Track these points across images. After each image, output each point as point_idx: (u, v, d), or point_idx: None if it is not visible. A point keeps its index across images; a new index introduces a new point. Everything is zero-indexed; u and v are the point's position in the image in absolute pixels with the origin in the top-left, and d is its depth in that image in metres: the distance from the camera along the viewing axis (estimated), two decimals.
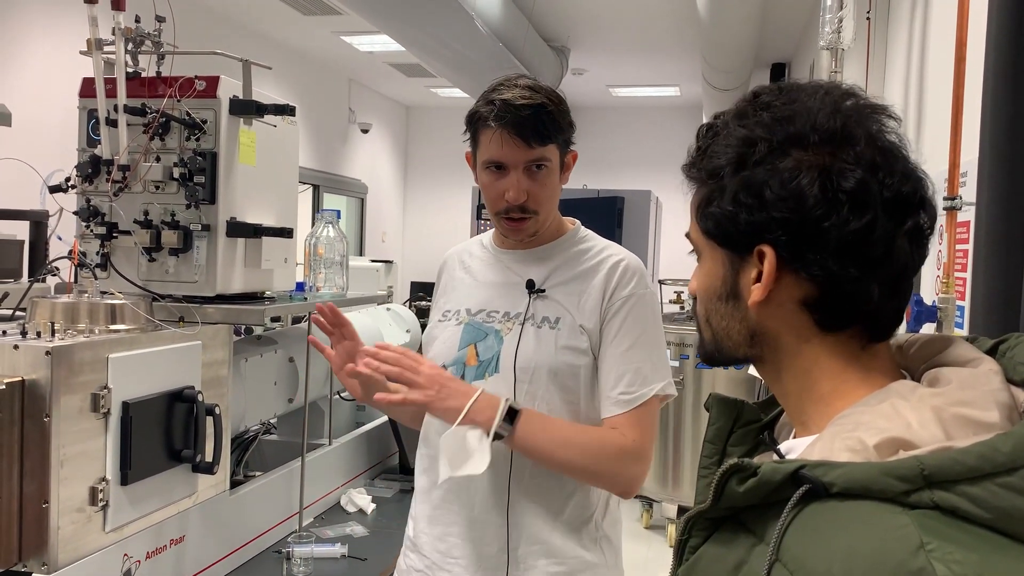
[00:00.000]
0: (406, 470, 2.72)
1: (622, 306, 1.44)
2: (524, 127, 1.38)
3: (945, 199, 1.66)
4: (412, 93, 9.65)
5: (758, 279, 0.74)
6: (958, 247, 1.65)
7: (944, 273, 1.63)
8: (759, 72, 7.06)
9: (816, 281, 0.72)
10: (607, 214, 5.86)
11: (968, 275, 1.48)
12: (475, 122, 1.44)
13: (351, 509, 2.42)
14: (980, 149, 1.12)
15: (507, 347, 1.45)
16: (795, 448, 0.77)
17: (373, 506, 2.44)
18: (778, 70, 6.99)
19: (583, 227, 1.57)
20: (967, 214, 1.62)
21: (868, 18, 2.69)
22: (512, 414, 1.34)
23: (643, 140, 9.50)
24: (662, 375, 1.44)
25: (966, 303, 1.52)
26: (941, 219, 1.72)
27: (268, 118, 1.93)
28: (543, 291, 1.47)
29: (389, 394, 1.36)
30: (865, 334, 0.74)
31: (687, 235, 0.83)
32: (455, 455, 1.33)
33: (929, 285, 1.93)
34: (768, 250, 0.72)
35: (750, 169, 0.73)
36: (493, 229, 1.58)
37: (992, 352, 0.73)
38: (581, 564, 1.45)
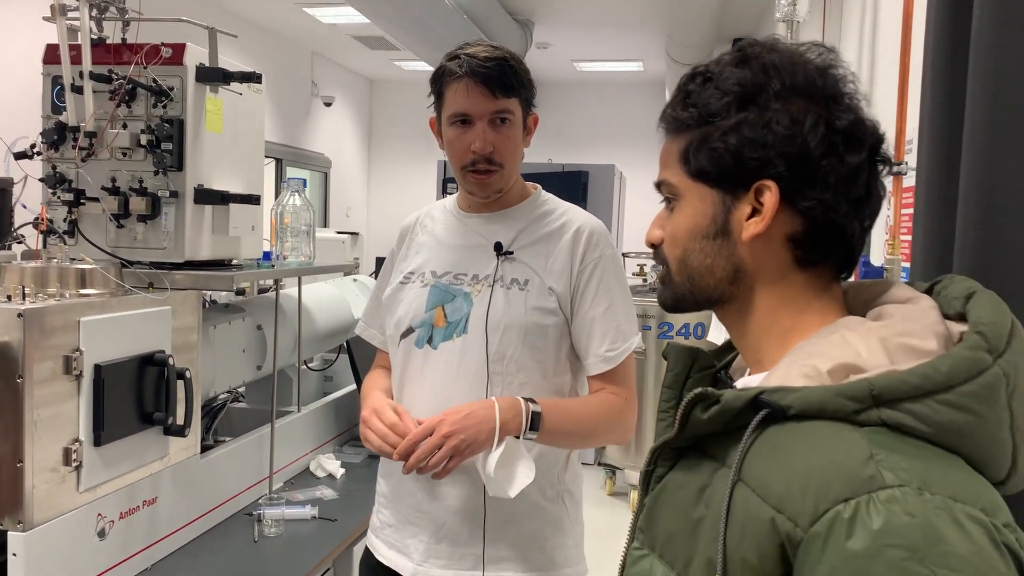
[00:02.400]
0: None
1: (595, 268, 1.50)
2: (489, 78, 1.43)
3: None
4: (376, 66, 9.57)
5: (751, 215, 0.79)
6: (903, 211, 1.73)
7: (891, 235, 1.71)
8: (721, 47, 7.11)
9: (809, 215, 0.77)
10: (572, 188, 5.90)
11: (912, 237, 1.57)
12: (440, 78, 1.48)
13: (321, 474, 2.46)
14: (920, 118, 1.19)
15: (477, 308, 1.49)
16: (751, 384, 0.82)
17: (342, 471, 2.48)
18: None
19: (543, 191, 1.61)
20: (912, 179, 1.70)
21: None
22: (534, 417, 1.40)
23: (607, 115, 9.54)
24: (633, 329, 1.54)
25: (910, 264, 1.60)
26: (887, 184, 1.80)
27: (234, 86, 1.94)
28: (511, 253, 1.51)
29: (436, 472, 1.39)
30: (835, 269, 0.81)
31: (658, 184, 0.86)
32: (503, 478, 1.38)
33: (878, 247, 2.01)
34: (772, 184, 0.77)
35: (757, 109, 0.78)
36: (456, 194, 1.61)
37: (929, 292, 0.80)
38: (545, 519, 1.51)
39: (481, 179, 1.49)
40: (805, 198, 0.77)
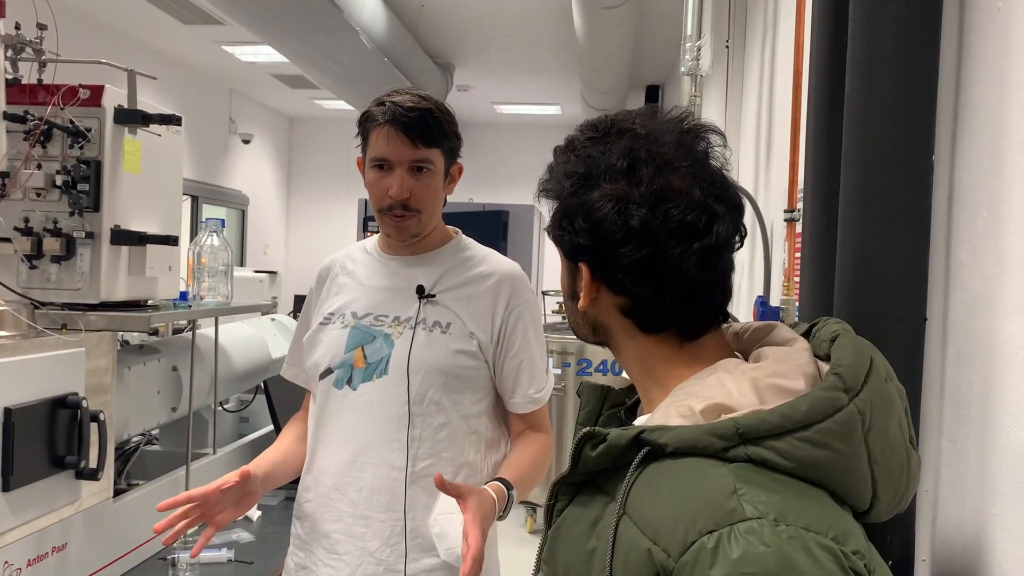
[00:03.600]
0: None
1: (520, 315, 1.56)
2: (411, 127, 1.47)
3: (785, 211, 1.87)
4: (296, 104, 9.55)
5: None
6: (797, 254, 1.86)
7: (785, 277, 1.83)
8: (635, 93, 7.39)
9: (622, 295, 0.84)
10: (492, 227, 6.00)
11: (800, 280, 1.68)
12: (366, 122, 1.52)
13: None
14: (805, 167, 1.30)
15: (399, 350, 1.51)
16: (642, 422, 0.89)
17: (259, 513, 2.45)
18: (652, 92, 7.33)
19: (464, 235, 1.67)
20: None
21: (727, 46, 2.92)
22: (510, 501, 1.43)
23: (527, 156, 9.72)
24: (547, 371, 1.62)
25: (799, 305, 1.72)
26: (783, 229, 1.94)
27: (153, 127, 1.95)
28: (433, 296, 1.54)
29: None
30: (679, 335, 0.86)
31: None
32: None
33: (776, 288, 2.14)
34: (584, 267, 0.86)
35: (566, 199, 0.86)
36: (377, 235, 1.65)
37: (808, 334, 0.87)
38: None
39: (398, 223, 1.53)
40: (610, 282, 0.84)
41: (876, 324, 1.01)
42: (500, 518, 1.42)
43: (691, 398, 0.80)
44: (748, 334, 0.92)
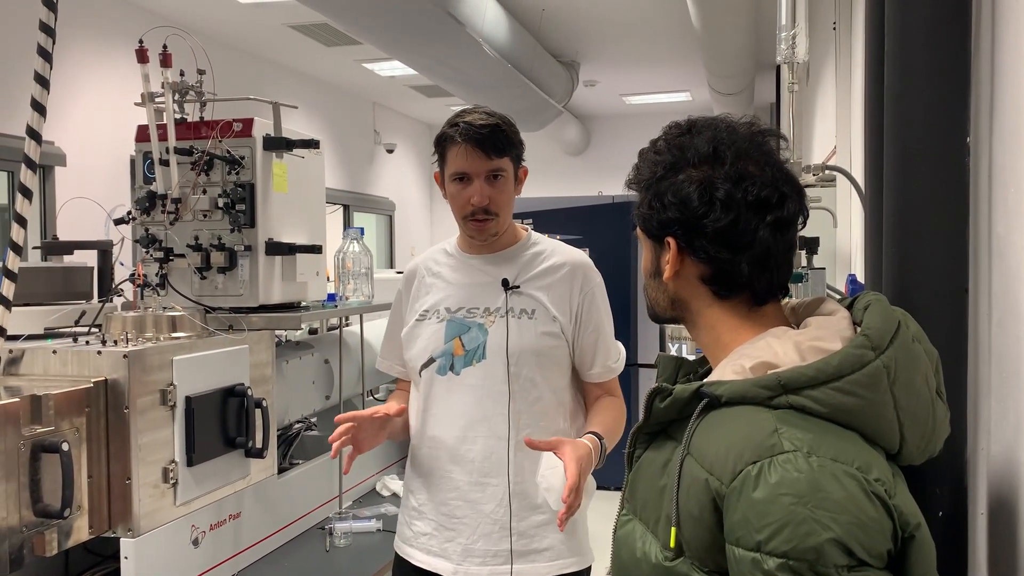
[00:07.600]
0: None
1: (592, 296, 1.76)
2: (484, 142, 1.67)
3: None
4: (433, 112, 9.98)
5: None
6: None
7: None
8: (764, 74, 7.27)
9: (705, 262, 0.99)
10: (622, 220, 6.10)
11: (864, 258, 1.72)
12: (443, 142, 1.73)
13: (385, 493, 2.70)
14: (864, 153, 1.38)
15: (493, 337, 1.71)
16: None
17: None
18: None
19: (533, 231, 1.86)
20: None
21: (834, 27, 2.90)
22: (603, 450, 1.63)
23: None
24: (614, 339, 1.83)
25: (864, 280, 1.75)
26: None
27: (296, 151, 2.23)
28: (517, 287, 1.74)
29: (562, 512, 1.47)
30: (749, 300, 1.01)
31: (634, 232, 1.11)
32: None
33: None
34: (671, 240, 1.01)
35: (656, 183, 1.02)
36: (455, 238, 1.84)
37: (851, 307, 1.00)
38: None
39: (479, 226, 1.73)
40: (695, 249, 0.99)
41: (916, 296, 1.10)
42: (597, 467, 1.60)
43: (743, 358, 0.95)
44: (802, 308, 1.05)
